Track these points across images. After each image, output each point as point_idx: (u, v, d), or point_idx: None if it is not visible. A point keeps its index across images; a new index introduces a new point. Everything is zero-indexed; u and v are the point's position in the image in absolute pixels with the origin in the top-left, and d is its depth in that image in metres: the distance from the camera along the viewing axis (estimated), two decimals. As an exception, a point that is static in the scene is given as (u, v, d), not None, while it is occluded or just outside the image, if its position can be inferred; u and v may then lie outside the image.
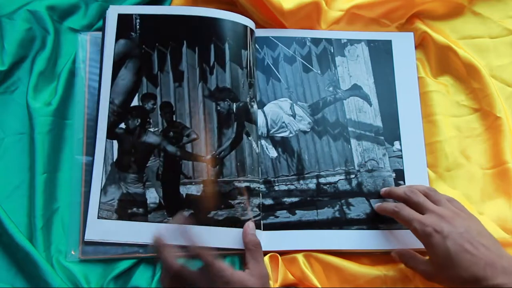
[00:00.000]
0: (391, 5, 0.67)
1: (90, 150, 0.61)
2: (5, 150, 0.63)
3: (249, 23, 0.65)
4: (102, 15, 0.68)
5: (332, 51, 0.67)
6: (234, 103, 0.62)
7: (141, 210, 0.59)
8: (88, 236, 0.58)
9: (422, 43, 0.69)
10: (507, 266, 0.48)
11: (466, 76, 0.67)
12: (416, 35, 0.68)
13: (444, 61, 0.68)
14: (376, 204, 0.60)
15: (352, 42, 0.67)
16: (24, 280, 0.58)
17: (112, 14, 0.64)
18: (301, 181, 0.62)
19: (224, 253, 0.59)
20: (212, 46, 0.63)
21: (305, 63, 0.66)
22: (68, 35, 0.68)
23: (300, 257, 0.58)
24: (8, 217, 0.58)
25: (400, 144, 0.64)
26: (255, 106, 0.63)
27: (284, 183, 0.62)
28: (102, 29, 0.64)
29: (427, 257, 0.54)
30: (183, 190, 0.60)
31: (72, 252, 0.59)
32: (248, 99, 0.62)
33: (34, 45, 0.66)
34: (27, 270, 0.57)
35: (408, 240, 0.59)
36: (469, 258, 0.48)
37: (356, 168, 0.63)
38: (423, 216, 0.53)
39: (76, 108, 0.64)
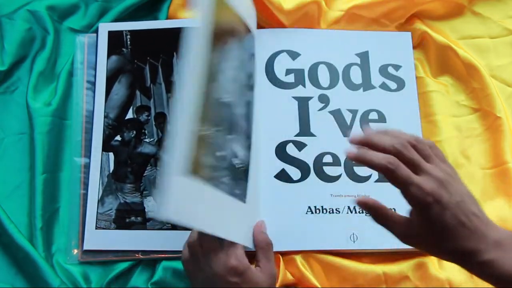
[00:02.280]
0: (391, 5, 0.67)
1: (88, 152, 0.62)
2: (5, 150, 0.63)
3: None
4: (102, 15, 0.68)
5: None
6: None
7: (139, 218, 0.60)
8: (87, 246, 0.59)
9: (422, 43, 0.69)
10: (499, 238, 0.45)
11: (466, 76, 0.67)
12: (416, 35, 0.68)
13: (444, 61, 0.68)
14: (356, 150, 0.47)
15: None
16: (24, 280, 0.58)
17: (102, 31, 0.65)
18: None
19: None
20: None
21: None
22: (68, 35, 0.68)
23: (298, 257, 0.58)
24: (8, 217, 0.58)
25: None
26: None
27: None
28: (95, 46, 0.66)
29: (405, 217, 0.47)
30: None
31: (72, 254, 0.59)
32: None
33: (34, 45, 0.66)
34: (27, 270, 0.58)
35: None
36: (464, 231, 0.44)
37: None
38: (422, 180, 0.44)
39: (74, 110, 0.64)
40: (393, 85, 0.66)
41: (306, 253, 0.59)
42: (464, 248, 0.44)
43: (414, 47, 0.68)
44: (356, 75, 0.66)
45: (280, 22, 0.66)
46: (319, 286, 0.57)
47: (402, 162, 0.45)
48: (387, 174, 0.45)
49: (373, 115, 0.65)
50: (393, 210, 0.53)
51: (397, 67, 0.67)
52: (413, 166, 0.45)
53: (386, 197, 0.54)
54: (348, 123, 0.64)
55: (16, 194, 0.61)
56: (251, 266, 0.52)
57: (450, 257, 0.46)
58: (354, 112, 0.64)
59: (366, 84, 0.66)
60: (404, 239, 0.47)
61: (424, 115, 0.66)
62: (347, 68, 0.66)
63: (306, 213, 0.60)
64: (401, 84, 0.66)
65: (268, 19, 0.67)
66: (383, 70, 0.66)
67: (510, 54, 0.68)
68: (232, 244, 0.52)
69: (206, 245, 0.52)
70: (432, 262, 0.59)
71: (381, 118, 0.65)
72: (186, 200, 0.48)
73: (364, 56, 0.67)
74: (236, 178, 0.56)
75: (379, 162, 0.45)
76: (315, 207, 0.61)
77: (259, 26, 0.67)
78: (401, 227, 0.46)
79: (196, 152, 0.48)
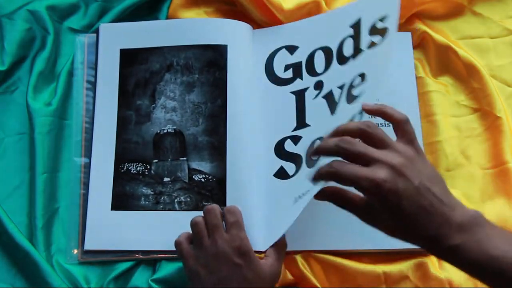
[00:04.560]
0: (391, 5, 0.67)
1: (88, 152, 0.62)
2: (5, 150, 0.63)
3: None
4: (102, 15, 0.68)
5: None
6: None
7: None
8: (88, 246, 0.59)
9: (422, 43, 0.69)
10: (462, 221, 0.42)
11: (466, 76, 0.67)
12: (416, 35, 0.68)
13: (444, 61, 0.68)
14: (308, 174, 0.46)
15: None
16: (24, 280, 0.58)
17: (103, 31, 0.66)
18: None
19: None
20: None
21: None
22: (68, 35, 0.68)
23: (298, 257, 0.58)
24: (8, 217, 0.58)
25: None
26: None
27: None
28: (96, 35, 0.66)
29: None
30: None
31: (72, 254, 0.59)
32: None
33: (34, 45, 0.66)
34: (27, 270, 0.58)
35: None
36: (425, 217, 0.42)
37: None
38: (371, 171, 0.41)
39: (74, 110, 0.64)
40: (378, 38, 0.58)
41: (306, 253, 0.59)
42: (428, 234, 0.42)
43: (414, 47, 0.68)
44: (348, 48, 0.61)
45: (280, 22, 0.66)
46: (319, 286, 0.57)
47: (349, 159, 0.43)
48: (334, 178, 0.43)
49: (357, 80, 0.58)
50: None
51: (384, 19, 0.58)
52: (362, 159, 0.43)
53: None
54: (337, 101, 0.59)
55: (16, 194, 0.61)
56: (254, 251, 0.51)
57: (416, 243, 0.44)
58: (342, 88, 0.59)
59: (356, 51, 0.60)
60: (367, 222, 0.46)
61: (424, 115, 0.65)
62: (341, 44, 0.62)
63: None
64: (385, 33, 0.57)
65: (268, 19, 0.67)
66: (372, 30, 0.59)
67: (510, 54, 0.68)
68: (235, 226, 0.51)
69: (211, 223, 0.51)
70: (432, 262, 0.59)
71: (364, 80, 0.57)
72: (114, 231, 0.59)
73: (357, 25, 0.61)
74: (204, 191, 0.60)
75: (323, 172, 0.44)
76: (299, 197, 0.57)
77: (259, 26, 0.68)
78: (363, 210, 0.45)
79: (123, 187, 0.61)
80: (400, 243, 0.59)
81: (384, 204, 0.42)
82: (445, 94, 0.67)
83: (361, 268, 0.58)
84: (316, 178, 0.45)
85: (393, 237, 0.45)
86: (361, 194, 0.44)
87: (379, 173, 0.41)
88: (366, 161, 0.42)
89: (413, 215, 0.42)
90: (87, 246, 0.59)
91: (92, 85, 0.64)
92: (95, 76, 0.64)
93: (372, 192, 0.42)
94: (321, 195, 0.47)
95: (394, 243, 0.59)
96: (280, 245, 0.54)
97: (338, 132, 0.45)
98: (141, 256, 0.59)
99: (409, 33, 0.68)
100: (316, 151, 0.45)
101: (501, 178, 0.62)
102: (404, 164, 0.42)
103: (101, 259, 0.59)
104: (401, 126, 0.45)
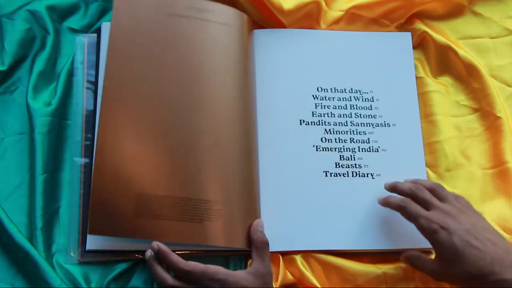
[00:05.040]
0: (391, 5, 0.67)
1: (88, 151, 0.62)
2: (5, 150, 0.63)
3: None
4: (102, 15, 0.68)
5: None
6: None
7: None
8: (89, 246, 0.58)
9: (422, 43, 0.69)
10: None
11: (466, 76, 0.67)
12: (416, 35, 0.68)
13: (444, 61, 0.68)
14: (380, 197, 0.59)
15: None
16: (24, 280, 0.58)
17: (105, 30, 0.64)
18: None
19: (230, 253, 0.59)
20: None
21: None
22: (68, 35, 0.68)
23: (298, 257, 0.58)
24: (8, 217, 0.58)
25: None
26: None
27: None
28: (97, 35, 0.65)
29: (433, 257, 0.54)
30: None
31: (72, 254, 0.59)
32: None
33: (34, 45, 0.66)
34: (27, 270, 0.57)
35: (409, 240, 0.59)
36: (476, 253, 0.49)
37: None
38: (429, 213, 0.53)
39: (74, 110, 0.64)
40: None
41: (306, 253, 0.59)
42: (478, 268, 0.48)
43: (414, 47, 0.68)
44: None
45: (280, 22, 0.66)
46: (319, 286, 0.57)
47: (416, 201, 0.54)
48: (401, 212, 0.55)
49: None
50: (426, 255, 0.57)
51: None
52: (425, 203, 0.54)
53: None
54: None
55: (16, 194, 0.61)
56: (229, 273, 0.51)
57: (469, 281, 0.49)
58: None
59: None
60: (435, 276, 0.54)
61: (424, 115, 0.66)
62: None
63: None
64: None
65: (268, 19, 0.67)
66: None
67: (510, 54, 0.68)
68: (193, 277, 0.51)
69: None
70: (432, 262, 0.59)
71: None
72: None
73: None
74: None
75: (394, 203, 0.56)
76: None
77: (259, 26, 0.68)
78: (430, 266, 0.54)
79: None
80: (400, 243, 0.60)
81: (436, 240, 0.51)
82: (445, 94, 0.67)
83: (361, 268, 0.58)
84: (384, 204, 0.58)
85: (457, 284, 0.54)
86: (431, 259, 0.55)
87: (435, 215, 0.52)
88: (428, 206, 0.54)
89: (463, 250, 0.49)
90: (89, 246, 0.58)
91: (92, 85, 0.64)
92: (97, 75, 0.64)
93: (427, 230, 0.52)
94: (405, 258, 0.57)
95: (394, 243, 0.60)
96: (259, 245, 0.54)
97: (391, 187, 0.58)
98: (141, 256, 0.59)
99: (409, 33, 0.68)
100: (393, 188, 0.58)
101: (501, 178, 0.62)
102: (457, 213, 0.52)
103: (101, 259, 0.59)
104: (455, 197, 0.56)
